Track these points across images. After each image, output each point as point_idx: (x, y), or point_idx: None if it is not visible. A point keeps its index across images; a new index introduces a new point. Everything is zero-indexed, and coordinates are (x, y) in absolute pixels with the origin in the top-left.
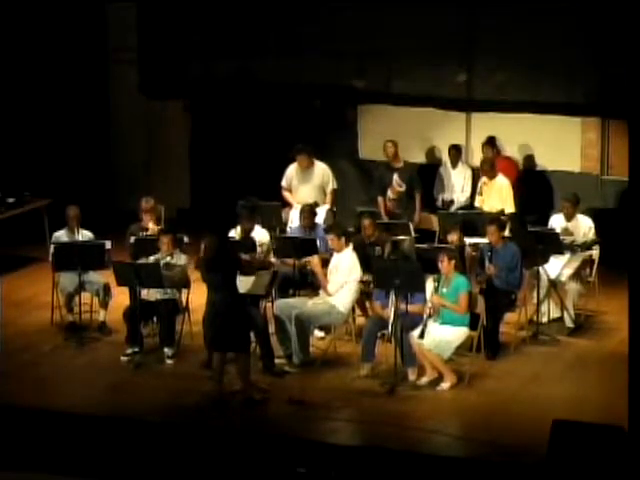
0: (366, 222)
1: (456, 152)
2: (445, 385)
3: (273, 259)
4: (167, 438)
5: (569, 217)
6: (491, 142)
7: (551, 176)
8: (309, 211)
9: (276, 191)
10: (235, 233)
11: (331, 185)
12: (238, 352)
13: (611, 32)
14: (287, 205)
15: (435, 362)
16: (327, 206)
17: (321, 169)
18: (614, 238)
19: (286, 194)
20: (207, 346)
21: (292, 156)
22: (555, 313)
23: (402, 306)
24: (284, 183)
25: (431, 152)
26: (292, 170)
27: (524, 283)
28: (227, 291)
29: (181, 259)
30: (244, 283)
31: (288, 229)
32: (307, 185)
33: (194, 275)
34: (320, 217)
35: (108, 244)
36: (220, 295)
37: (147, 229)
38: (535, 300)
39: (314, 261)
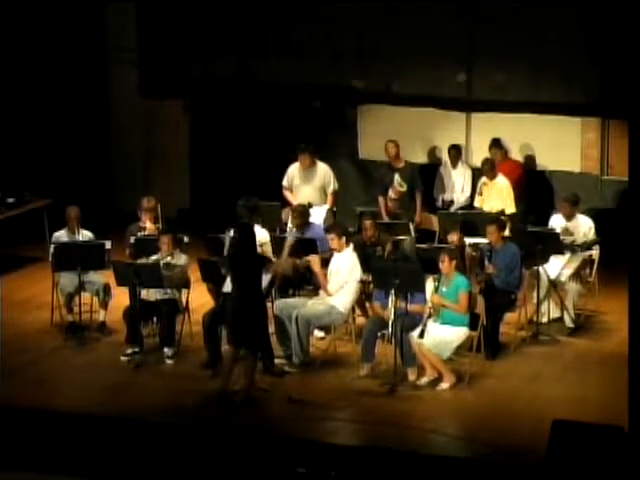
0: (367, 223)
1: (456, 152)
2: (444, 385)
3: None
4: (167, 438)
5: (568, 217)
6: (497, 144)
7: (551, 176)
8: (299, 211)
9: (276, 191)
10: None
11: (332, 186)
12: (253, 350)
13: (611, 32)
14: (287, 205)
15: (434, 362)
16: (327, 206)
17: (323, 170)
18: (614, 238)
19: (287, 193)
20: (207, 346)
21: (295, 156)
22: (555, 313)
23: (402, 306)
24: (285, 182)
25: (431, 152)
26: (293, 170)
27: (524, 283)
28: (249, 288)
29: (181, 259)
30: None
31: (288, 229)
32: (308, 185)
33: (194, 275)
34: (320, 217)
35: (108, 244)
36: (242, 291)
37: (145, 228)
38: (535, 300)
39: (314, 261)
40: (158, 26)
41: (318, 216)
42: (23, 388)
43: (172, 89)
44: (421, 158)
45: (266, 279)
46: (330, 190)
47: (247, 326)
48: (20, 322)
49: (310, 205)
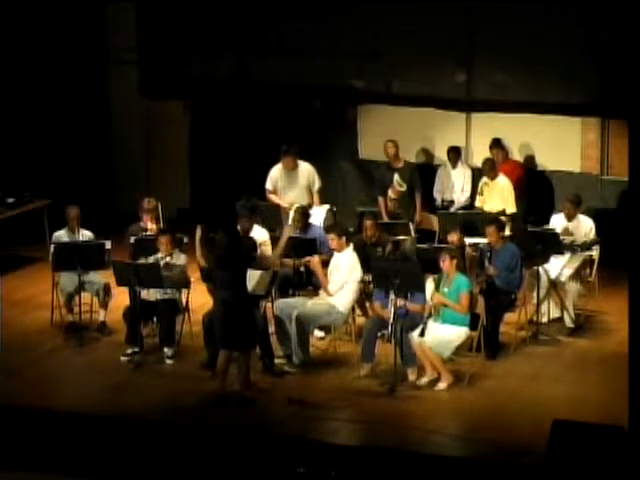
0: (368, 223)
1: (455, 154)
2: (442, 385)
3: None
4: (167, 438)
5: (570, 217)
6: (498, 144)
7: (551, 176)
8: (301, 213)
9: None
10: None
11: (317, 185)
12: (244, 351)
13: (611, 32)
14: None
15: (433, 361)
16: (327, 206)
17: (306, 169)
18: (614, 238)
19: (272, 197)
20: (207, 346)
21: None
22: (555, 313)
23: (402, 306)
24: (269, 185)
25: (431, 152)
26: (276, 172)
27: (524, 283)
28: (237, 289)
29: (180, 259)
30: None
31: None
32: (293, 186)
33: (194, 275)
34: (320, 217)
35: (108, 244)
36: (230, 293)
37: (147, 229)
38: (535, 300)
39: (314, 261)
40: (158, 26)
41: (317, 216)
42: (23, 388)
43: (172, 89)
44: (421, 158)
45: (267, 277)
46: (315, 189)
47: (238, 327)
48: (20, 322)
49: (310, 206)
